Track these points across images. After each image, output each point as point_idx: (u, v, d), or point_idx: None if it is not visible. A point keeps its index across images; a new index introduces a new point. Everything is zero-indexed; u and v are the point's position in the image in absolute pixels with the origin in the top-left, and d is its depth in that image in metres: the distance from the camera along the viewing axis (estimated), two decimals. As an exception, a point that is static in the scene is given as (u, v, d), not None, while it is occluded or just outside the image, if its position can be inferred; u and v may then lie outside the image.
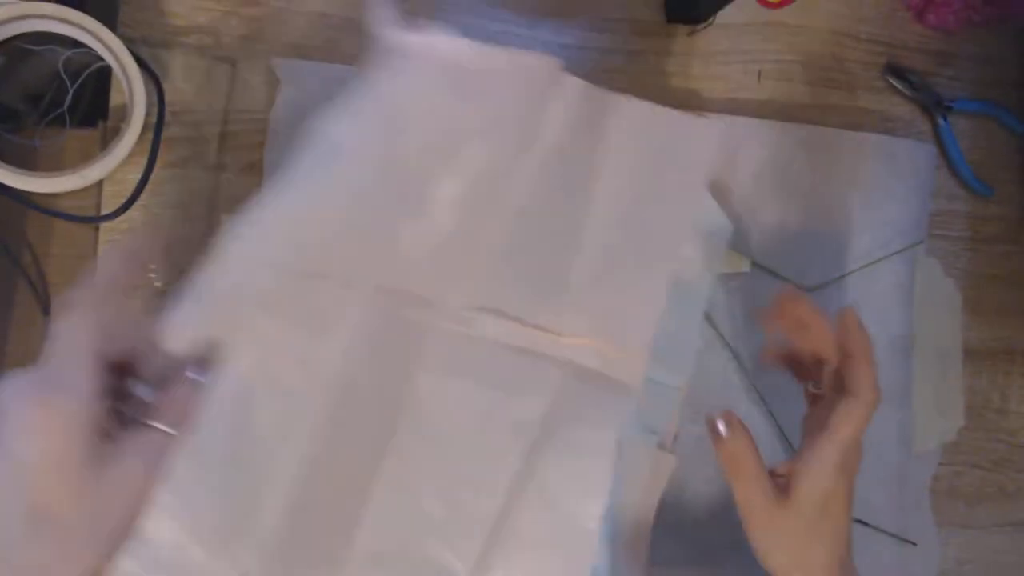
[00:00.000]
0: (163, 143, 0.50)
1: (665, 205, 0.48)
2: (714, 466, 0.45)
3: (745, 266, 0.55)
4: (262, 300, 0.44)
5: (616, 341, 0.46)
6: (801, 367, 0.48)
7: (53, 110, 0.49)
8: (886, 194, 0.58)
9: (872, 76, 0.59)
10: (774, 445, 0.55)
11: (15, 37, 0.49)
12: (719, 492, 0.54)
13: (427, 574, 0.44)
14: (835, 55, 0.59)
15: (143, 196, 0.49)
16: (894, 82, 0.59)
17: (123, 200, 0.49)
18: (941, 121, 0.60)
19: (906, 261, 0.58)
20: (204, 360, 0.40)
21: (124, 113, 0.49)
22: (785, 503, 0.43)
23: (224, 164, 0.52)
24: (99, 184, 0.50)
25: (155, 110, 0.49)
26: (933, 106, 0.60)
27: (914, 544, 0.56)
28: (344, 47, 0.54)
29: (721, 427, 0.43)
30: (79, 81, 0.49)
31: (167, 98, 0.50)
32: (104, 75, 0.50)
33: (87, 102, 0.50)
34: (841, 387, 0.44)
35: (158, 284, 0.50)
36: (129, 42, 0.49)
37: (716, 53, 0.57)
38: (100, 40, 0.48)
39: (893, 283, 0.58)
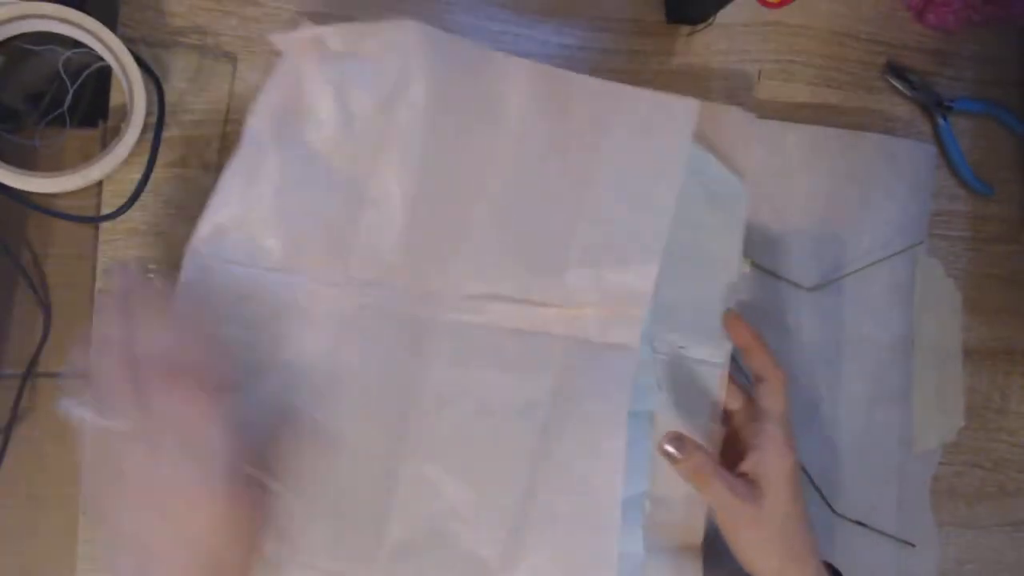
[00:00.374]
0: (163, 143, 0.50)
1: (644, 180, 0.49)
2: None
3: (745, 266, 0.55)
4: (236, 297, 0.46)
5: (614, 304, 0.47)
6: None
7: (53, 110, 0.49)
8: (886, 194, 0.58)
9: (872, 76, 0.59)
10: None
11: (15, 37, 0.49)
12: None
13: (456, 562, 0.45)
14: (835, 55, 0.59)
15: (143, 196, 0.49)
16: (894, 82, 0.59)
17: (123, 200, 0.49)
18: (941, 121, 0.60)
19: (906, 261, 0.58)
20: None
21: (124, 113, 0.49)
22: (758, 496, 0.45)
23: (224, 164, 0.52)
24: (99, 184, 0.50)
25: (155, 110, 0.49)
26: (933, 106, 0.60)
27: (913, 545, 0.56)
28: (344, 47, 0.54)
29: (671, 449, 0.45)
30: (79, 81, 0.49)
31: (167, 98, 0.50)
32: (104, 75, 0.50)
33: (87, 102, 0.50)
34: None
35: (157, 284, 0.50)
36: (129, 42, 0.49)
37: (716, 53, 0.57)
38: (100, 40, 0.48)
39: (893, 283, 0.58)
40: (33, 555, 0.49)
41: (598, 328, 0.47)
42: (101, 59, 0.49)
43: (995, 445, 0.60)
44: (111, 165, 0.48)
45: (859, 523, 0.55)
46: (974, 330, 0.60)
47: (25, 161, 0.48)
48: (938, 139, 0.60)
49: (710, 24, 0.57)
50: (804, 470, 0.54)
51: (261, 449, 0.44)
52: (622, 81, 0.56)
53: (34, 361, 0.50)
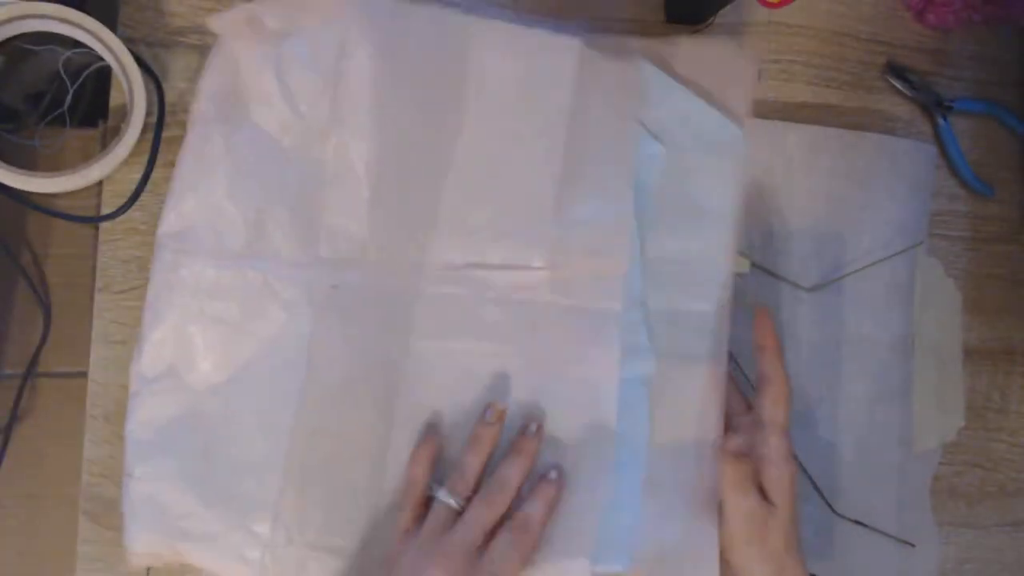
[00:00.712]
0: (163, 143, 0.50)
1: (604, 135, 0.49)
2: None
3: (745, 267, 0.55)
4: (207, 289, 0.47)
5: (595, 260, 0.48)
6: None
7: (53, 110, 0.49)
8: (886, 194, 0.58)
9: (872, 76, 0.59)
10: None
11: (15, 37, 0.49)
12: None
13: None
14: (835, 55, 0.59)
15: (143, 196, 0.49)
16: (894, 82, 0.59)
17: (123, 200, 0.49)
18: (941, 121, 0.60)
19: (906, 261, 0.58)
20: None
21: (124, 113, 0.49)
22: (770, 506, 0.45)
23: (224, 164, 0.52)
24: (99, 184, 0.50)
25: (155, 110, 0.49)
26: (933, 106, 0.60)
27: (913, 545, 0.56)
28: (344, 47, 0.54)
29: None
30: (79, 81, 0.49)
31: (167, 98, 0.50)
32: (104, 75, 0.50)
33: (87, 102, 0.50)
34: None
35: None
36: (129, 42, 0.49)
37: (716, 53, 0.57)
38: (100, 40, 0.48)
39: (893, 283, 0.58)
40: (33, 555, 0.49)
41: (582, 290, 0.48)
42: (101, 59, 0.49)
43: (995, 445, 0.60)
44: (111, 165, 0.48)
45: (859, 523, 0.55)
46: (974, 330, 0.60)
47: (25, 161, 0.48)
48: (938, 139, 0.60)
49: (710, 24, 0.57)
50: (803, 469, 0.54)
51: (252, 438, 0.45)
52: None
53: (34, 361, 0.50)
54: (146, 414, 0.47)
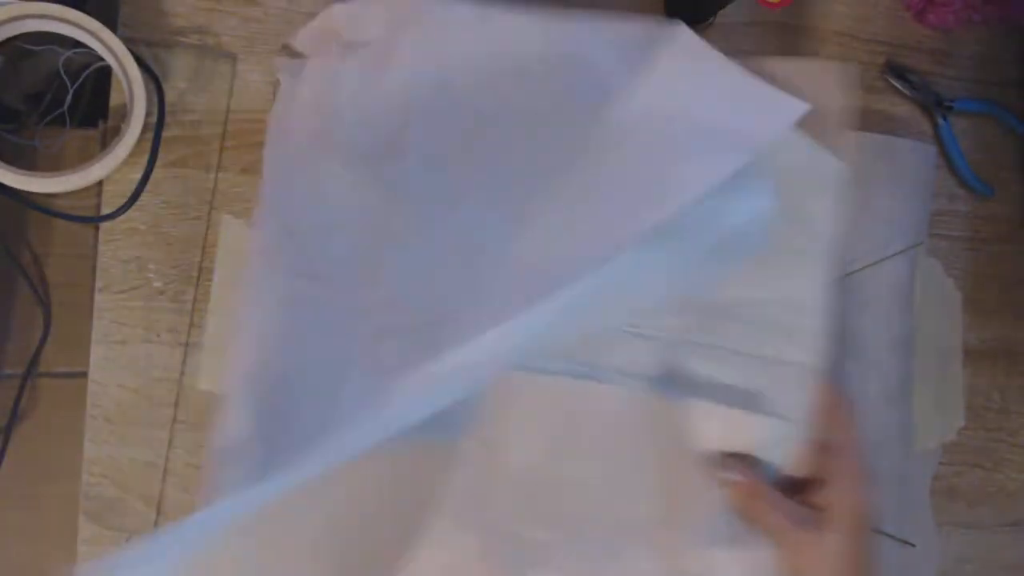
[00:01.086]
0: (163, 143, 0.50)
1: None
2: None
3: None
4: None
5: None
6: None
7: (53, 110, 0.49)
8: (886, 194, 0.58)
9: (872, 76, 0.59)
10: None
11: (15, 37, 0.49)
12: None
13: None
14: (835, 55, 0.59)
15: (143, 196, 0.49)
16: (894, 82, 0.59)
17: (123, 200, 0.49)
18: (941, 121, 0.60)
19: (906, 261, 0.58)
20: None
21: (124, 113, 0.49)
22: (822, 525, 0.41)
23: (224, 164, 0.52)
24: (99, 184, 0.50)
25: (155, 110, 0.49)
26: (933, 106, 0.60)
27: (913, 545, 0.56)
28: (344, 47, 0.54)
29: (728, 473, 0.42)
30: (79, 81, 0.49)
31: (167, 98, 0.50)
32: (104, 75, 0.50)
33: (87, 102, 0.50)
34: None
35: (157, 284, 0.50)
36: (129, 42, 0.49)
37: (716, 53, 0.57)
38: (100, 40, 0.48)
39: (893, 283, 0.58)
40: (33, 555, 0.49)
41: None
42: (101, 59, 0.49)
43: (995, 445, 0.60)
44: (111, 165, 0.48)
45: (859, 523, 0.55)
46: (974, 330, 0.60)
47: (25, 161, 0.48)
48: (938, 139, 0.60)
49: (710, 24, 0.57)
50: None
51: None
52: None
53: (34, 361, 0.50)
54: None
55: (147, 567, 0.33)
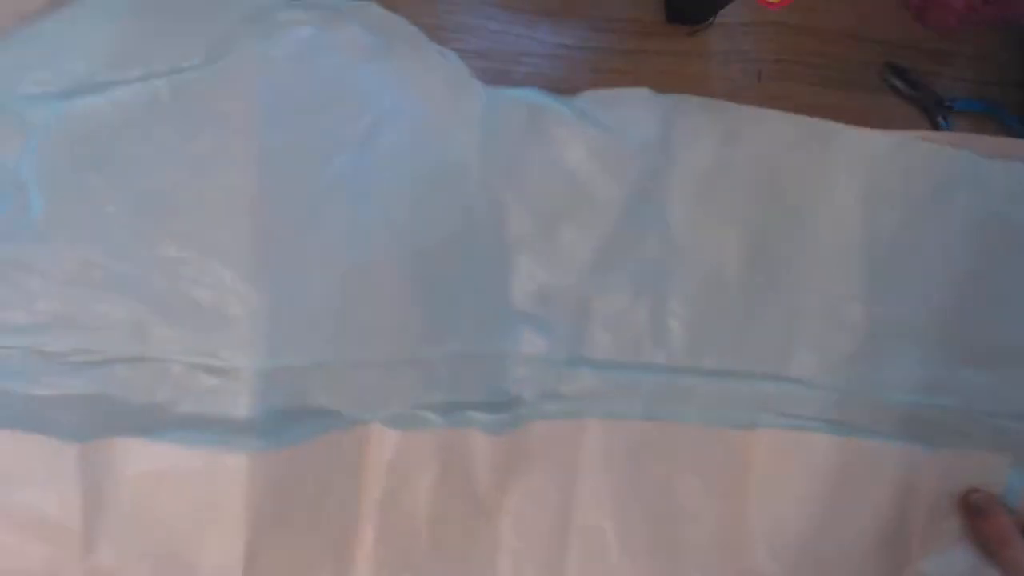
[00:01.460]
0: (162, 143, 0.49)
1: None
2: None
3: None
4: None
5: None
6: None
7: (52, 110, 0.49)
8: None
9: (872, 76, 0.59)
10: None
11: (14, 37, 0.48)
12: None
13: None
14: (835, 55, 0.59)
15: (142, 196, 0.49)
16: (894, 82, 0.59)
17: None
18: (941, 121, 0.60)
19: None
20: None
21: (123, 113, 0.49)
22: None
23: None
24: (98, 184, 0.50)
25: (154, 110, 0.49)
26: (933, 106, 0.60)
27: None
28: (344, 47, 0.54)
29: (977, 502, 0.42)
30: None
31: (166, 98, 0.50)
32: (103, 75, 0.50)
33: (86, 102, 0.50)
34: None
35: None
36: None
37: (716, 53, 0.57)
38: (99, 40, 0.48)
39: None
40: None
41: None
42: (100, 59, 0.49)
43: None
44: (110, 165, 0.48)
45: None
46: (974, 330, 0.60)
47: (24, 161, 0.48)
48: (938, 139, 0.60)
49: (710, 24, 0.57)
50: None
51: None
52: (622, 81, 0.56)
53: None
54: None
55: None
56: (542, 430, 0.42)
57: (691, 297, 0.44)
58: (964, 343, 0.45)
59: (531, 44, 0.56)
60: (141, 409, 0.36)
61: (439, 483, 0.41)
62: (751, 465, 0.44)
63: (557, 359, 0.43)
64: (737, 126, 0.45)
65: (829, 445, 0.44)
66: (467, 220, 0.41)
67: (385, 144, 0.39)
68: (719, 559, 0.44)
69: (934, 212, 0.45)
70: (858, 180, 0.45)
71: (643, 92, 0.44)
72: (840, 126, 0.46)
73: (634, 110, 0.44)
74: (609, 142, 0.43)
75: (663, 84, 0.57)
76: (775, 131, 0.45)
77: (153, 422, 0.36)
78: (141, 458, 0.35)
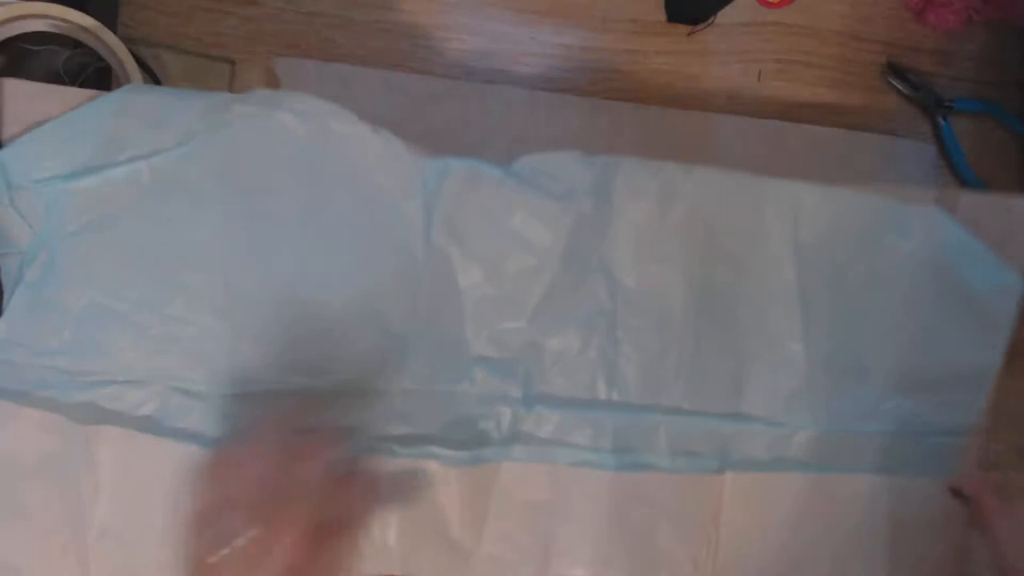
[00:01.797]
0: (163, 143, 0.50)
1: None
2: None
3: None
4: None
5: None
6: None
7: (53, 110, 0.49)
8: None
9: (872, 76, 0.59)
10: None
11: (15, 37, 0.49)
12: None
13: None
14: (835, 55, 0.59)
15: (143, 196, 0.49)
16: (894, 82, 0.59)
17: (123, 200, 0.49)
18: (941, 121, 0.60)
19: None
20: None
21: (124, 113, 0.49)
22: None
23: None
24: (99, 184, 0.50)
25: (155, 110, 0.49)
26: (933, 106, 0.60)
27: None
28: (343, 46, 0.54)
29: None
30: (79, 81, 0.49)
31: (167, 98, 0.50)
32: (104, 75, 0.50)
33: (87, 102, 0.50)
34: None
35: None
36: (129, 42, 0.49)
37: (716, 53, 0.57)
38: (100, 40, 0.48)
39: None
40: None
41: None
42: (101, 59, 0.49)
43: (995, 445, 0.59)
44: (111, 165, 0.48)
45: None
46: (974, 330, 0.60)
47: (25, 161, 0.48)
48: (938, 139, 0.60)
49: (710, 24, 0.57)
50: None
51: None
52: (622, 81, 0.56)
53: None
54: None
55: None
56: (514, 472, 0.45)
57: (640, 341, 0.48)
58: (896, 373, 0.49)
59: (531, 44, 0.56)
60: (129, 420, 0.44)
61: (408, 515, 0.45)
62: (721, 510, 0.47)
63: (513, 398, 0.47)
64: (672, 182, 0.48)
65: (791, 483, 0.48)
66: (412, 267, 0.46)
67: (329, 207, 0.46)
68: None
69: (860, 255, 0.49)
70: (788, 228, 0.49)
71: (576, 155, 0.48)
72: (768, 180, 0.49)
73: (570, 172, 0.48)
74: (547, 202, 0.47)
75: (663, 84, 0.57)
76: (708, 185, 0.48)
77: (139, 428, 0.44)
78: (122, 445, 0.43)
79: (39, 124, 0.44)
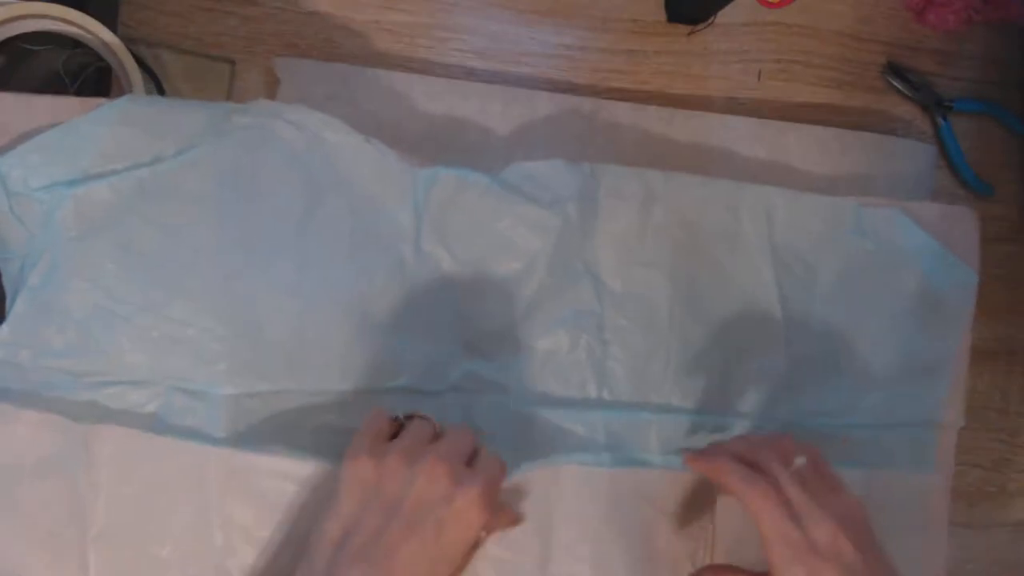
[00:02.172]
0: (163, 143, 0.50)
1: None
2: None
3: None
4: None
5: None
6: None
7: (53, 110, 0.49)
8: (886, 194, 0.58)
9: (872, 76, 0.59)
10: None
11: (15, 37, 0.49)
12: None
13: None
14: (835, 55, 0.59)
15: (143, 196, 0.49)
16: (894, 82, 0.59)
17: (123, 200, 0.49)
18: (941, 121, 0.60)
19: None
20: None
21: (124, 113, 0.49)
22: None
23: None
24: (99, 184, 0.50)
25: (155, 110, 0.49)
26: (933, 106, 0.60)
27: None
28: (343, 46, 0.54)
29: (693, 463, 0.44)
30: (79, 81, 0.49)
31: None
32: (104, 75, 0.50)
33: (87, 102, 0.50)
34: None
35: None
36: (129, 42, 0.49)
37: (716, 53, 0.57)
38: (100, 40, 0.48)
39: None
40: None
41: None
42: (101, 59, 0.49)
43: (995, 445, 0.60)
44: (111, 165, 0.48)
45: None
46: (974, 330, 0.59)
47: (25, 161, 0.48)
48: (938, 139, 0.60)
49: (710, 24, 0.57)
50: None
51: None
52: (622, 81, 0.56)
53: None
54: None
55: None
56: (510, 472, 0.45)
57: (628, 342, 0.49)
58: (869, 368, 0.51)
59: (531, 44, 0.56)
60: (132, 419, 0.44)
61: None
62: (716, 505, 0.47)
63: (505, 399, 0.48)
64: (653, 188, 0.50)
65: None
66: (403, 271, 0.48)
67: (323, 213, 0.47)
68: None
69: (828, 256, 0.51)
70: (763, 231, 0.51)
71: (561, 163, 0.49)
72: (742, 185, 0.51)
73: (556, 179, 0.49)
74: (534, 208, 0.49)
75: (663, 84, 0.57)
76: (687, 191, 0.50)
77: (142, 427, 0.44)
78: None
79: (29, 134, 0.45)
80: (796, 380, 0.50)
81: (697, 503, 0.47)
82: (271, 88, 0.52)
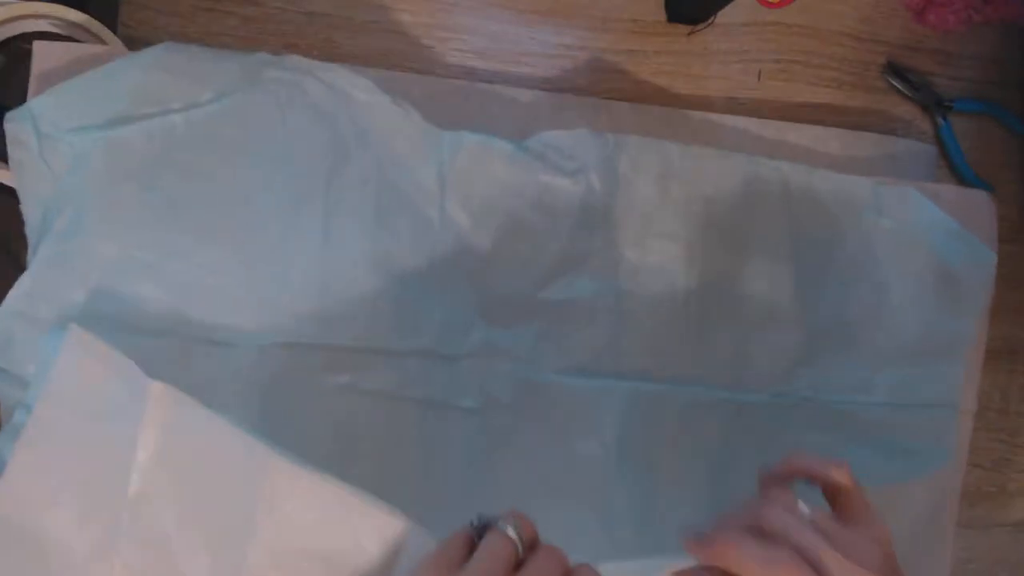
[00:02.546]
0: (163, 143, 0.50)
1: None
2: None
3: None
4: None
5: None
6: None
7: (53, 110, 0.49)
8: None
9: (872, 76, 0.59)
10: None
11: (15, 37, 0.49)
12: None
13: None
14: (835, 55, 0.59)
15: (143, 196, 0.49)
16: (894, 82, 0.59)
17: (123, 200, 0.49)
18: (941, 121, 0.60)
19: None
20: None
21: (124, 113, 0.49)
22: None
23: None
24: (99, 184, 0.50)
25: (155, 110, 0.49)
26: (933, 106, 0.60)
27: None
28: (343, 46, 0.54)
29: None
30: (79, 81, 0.49)
31: (167, 98, 0.50)
32: (104, 75, 0.50)
33: (87, 102, 0.50)
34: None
35: None
36: (129, 42, 0.49)
37: (716, 53, 0.57)
38: (100, 40, 0.48)
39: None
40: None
41: None
42: (101, 59, 0.49)
43: (995, 445, 0.60)
44: (111, 165, 0.48)
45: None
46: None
47: (25, 161, 0.48)
48: (938, 139, 0.60)
49: (710, 24, 0.57)
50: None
51: None
52: (622, 81, 0.56)
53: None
54: None
55: None
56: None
57: (645, 313, 0.49)
58: (885, 346, 0.51)
59: (531, 44, 0.56)
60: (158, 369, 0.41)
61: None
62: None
63: (522, 366, 0.48)
64: (671, 161, 0.50)
65: None
66: (428, 232, 0.48)
67: (350, 169, 0.48)
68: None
69: (845, 233, 0.52)
70: (782, 206, 0.51)
71: (586, 132, 0.50)
72: (759, 159, 0.51)
73: (580, 149, 0.50)
74: (556, 177, 0.49)
75: (663, 84, 0.57)
76: (705, 164, 0.51)
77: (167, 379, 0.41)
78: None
79: (72, 77, 0.44)
80: (812, 355, 0.50)
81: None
82: (271, 88, 0.52)
